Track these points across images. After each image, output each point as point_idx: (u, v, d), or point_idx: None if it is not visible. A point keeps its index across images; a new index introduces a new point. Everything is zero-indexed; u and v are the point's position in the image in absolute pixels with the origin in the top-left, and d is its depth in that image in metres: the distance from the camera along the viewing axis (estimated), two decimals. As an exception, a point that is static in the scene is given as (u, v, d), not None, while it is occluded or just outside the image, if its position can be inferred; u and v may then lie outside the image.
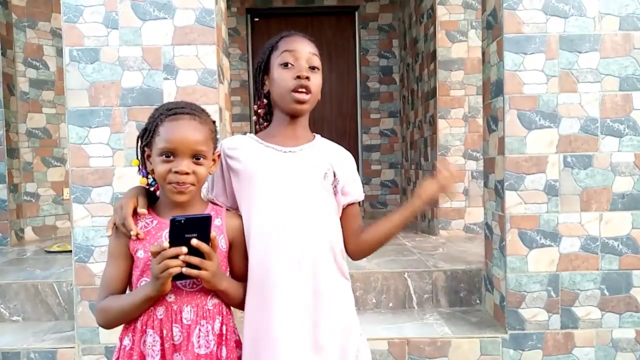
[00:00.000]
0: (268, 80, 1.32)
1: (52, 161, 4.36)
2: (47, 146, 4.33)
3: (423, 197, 1.33)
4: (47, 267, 3.15)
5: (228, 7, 5.02)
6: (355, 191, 1.35)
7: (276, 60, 1.29)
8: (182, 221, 1.06)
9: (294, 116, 1.30)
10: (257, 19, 5.59)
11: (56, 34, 4.33)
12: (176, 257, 1.07)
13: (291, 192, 1.26)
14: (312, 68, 1.28)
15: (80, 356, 2.32)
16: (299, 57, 1.26)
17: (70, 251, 2.39)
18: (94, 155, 2.27)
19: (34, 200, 4.26)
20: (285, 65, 1.27)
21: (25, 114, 4.20)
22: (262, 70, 1.34)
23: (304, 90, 1.25)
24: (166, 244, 1.07)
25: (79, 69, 2.26)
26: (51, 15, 4.33)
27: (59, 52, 4.33)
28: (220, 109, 2.32)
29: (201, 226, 1.09)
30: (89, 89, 2.26)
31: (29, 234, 4.25)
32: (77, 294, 2.31)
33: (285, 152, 1.29)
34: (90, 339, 2.31)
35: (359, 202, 1.39)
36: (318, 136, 1.37)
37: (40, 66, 4.30)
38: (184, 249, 1.07)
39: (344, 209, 1.35)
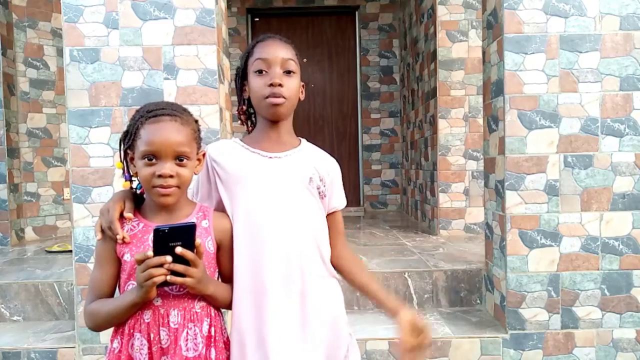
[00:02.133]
0: (247, 86, 1.32)
1: (53, 161, 4.36)
2: (48, 146, 4.34)
3: (397, 319, 1.28)
4: (47, 267, 3.15)
5: (228, 7, 5.01)
6: (337, 200, 1.37)
7: (251, 67, 1.29)
8: (166, 231, 1.05)
9: (274, 121, 1.30)
10: (257, 19, 5.60)
11: (57, 34, 4.33)
12: (161, 265, 1.06)
13: (277, 196, 1.26)
14: (288, 72, 1.28)
15: (81, 356, 2.32)
16: (272, 64, 1.26)
17: (71, 251, 2.39)
18: (94, 155, 2.27)
19: (34, 200, 4.26)
20: (260, 72, 1.27)
21: (25, 114, 4.20)
22: (241, 77, 1.35)
23: (277, 97, 1.25)
24: (150, 252, 1.06)
25: (80, 69, 2.26)
26: (51, 15, 4.33)
27: (60, 52, 4.33)
28: (221, 109, 2.32)
29: (185, 234, 1.08)
30: (89, 89, 2.26)
31: (29, 233, 4.25)
32: (77, 293, 2.31)
33: (270, 157, 1.29)
34: (90, 338, 2.31)
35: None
36: (304, 141, 1.37)
37: (41, 66, 4.30)
38: (169, 258, 1.06)
39: (331, 215, 1.37)
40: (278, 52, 1.28)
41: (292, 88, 1.28)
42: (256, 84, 1.27)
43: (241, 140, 1.35)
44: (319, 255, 1.30)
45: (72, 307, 2.66)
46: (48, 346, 2.42)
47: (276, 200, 1.26)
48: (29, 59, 4.23)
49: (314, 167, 1.31)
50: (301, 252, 1.26)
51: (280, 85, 1.25)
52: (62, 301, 2.77)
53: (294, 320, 1.25)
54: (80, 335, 2.32)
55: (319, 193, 1.31)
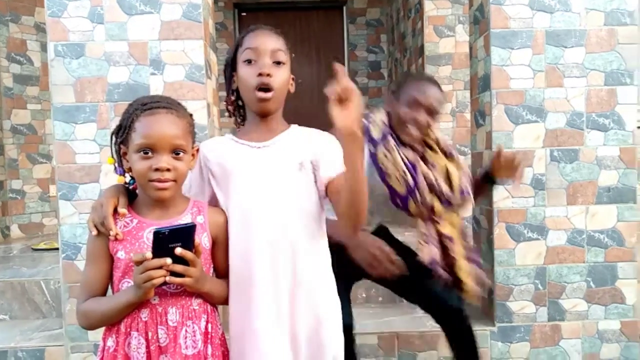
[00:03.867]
0: (236, 77, 1.31)
1: (38, 158, 4.31)
2: (33, 142, 4.28)
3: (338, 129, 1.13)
4: (33, 264, 3.12)
5: (215, 1, 4.97)
6: (327, 170, 1.26)
7: (240, 56, 1.28)
8: (166, 233, 1.04)
9: (262, 115, 1.29)
10: (244, 14, 5.56)
11: (40, 28, 4.27)
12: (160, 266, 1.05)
13: (268, 185, 1.25)
14: (277, 63, 1.27)
15: (69, 354, 2.30)
16: (261, 54, 1.26)
17: (57, 249, 2.37)
18: (80, 152, 2.25)
19: (19, 198, 4.21)
20: (249, 62, 1.26)
21: (9, 110, 4.14)
22: (230, 67, 1.34)
23: (265, 87, 1.24)
24: (149, 253, 1.04)
25: (64, 64, 2.23)
26: (35, 10, 4.27)
27: (44, 47, 4.26)
28: (208, 104, 2.31)
29: (185, 234, 1.07)
30: (74, 85, 2.23)
31: (14, 231, 4.20)
32: (65, 291, 2.29)
33: (258, 147, 1.28)
34: (79, 336, 2.29)
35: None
36: (294, 126, 1.35)
37: (24, 61, 4.24)
38: (168, 261, 1.05)
39: (329, 185, 1.27)
40: (268, 42, 1.27)
41: (281, 79, 1.27)
42: (245, 74, 1.26)
43: (233, 135, 1.34)
44: (313, 241, 1.29)
45: (60, 305, 2.64)
46: (35, 345, 2.40)
47: (266, 189, 1.25)
48: (12, 54, 4.16)
49: (303, 150, 1.29)
50: (292, 239, 1.25)
51: (269, 75, 1.24)
52: (49, 299, 2.74)
53: (285, 310, 1.24)
54: (68, 333, 2.30)
55: (315, 176, 1.29)
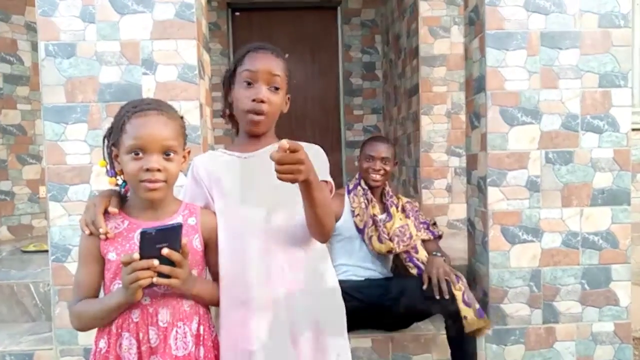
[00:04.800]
0: (233, 93, 1.34)
1: (28, 159, 4.26)
2: (22, 143, 4.23)
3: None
4: (22, 267, 3.07)
5: (208, 1, 4.94)
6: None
7: (240, 76, 1.31)
8: (153, 233, 1.04)
9: (252, 135, 1.33)
10: (238, 13, 5.54)
11: (31, 27, 4.22)
12: (147, 267, 1.05)
13: (252, 193, 1.27)
14: (275, 88, 1.29)
15: (59, 358, 2.27)
16: (259, 79, 1.28)
17: (47, 251, 2.34)
18: (71, 153, 2.22)
19: (8, 199, 4.15)
20: (247, 84, 1.29)
21: (-1, 110, 4.09)
22: (228, 80, 1.37)
23: (258, 112, 1.27)
24: (136, 254, 1.04)
25: (55, 64, 2.20)
26: (25, 9, 4.22)
27: (34, 47, 4.22)
28: (201, 105, 2.28)
29: (172, 235, 1.07)
30: (65, 85, 2.20)
31: (3, 233, 4.14)
32: (54, 294, 2.26)
33: (245, 157, 1.32)
34: (68, 340, 2.26)
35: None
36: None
37: (15, 61, 4.19)
38: (155, 262, 1.05)
39: None
40: (267, 67, 1.28)
41: (275, 104, 1.30)
42: (241, 95, 1.29)
43: (225, 147, 1.39)
44: (303, 246, 1.28)
45: (49, 308, 2.60)
46: (24, 348, 2.36)
47: (252, 195, 1.26)
48: (2, 54, 4.11)
49: None
50: (282, 245, 1.25)
51: (263, 101, 1.26)
52: (38, 302, 2.70)
53: (282, 318, 1.24)
54: (58, 336, 2.27)
55: None
